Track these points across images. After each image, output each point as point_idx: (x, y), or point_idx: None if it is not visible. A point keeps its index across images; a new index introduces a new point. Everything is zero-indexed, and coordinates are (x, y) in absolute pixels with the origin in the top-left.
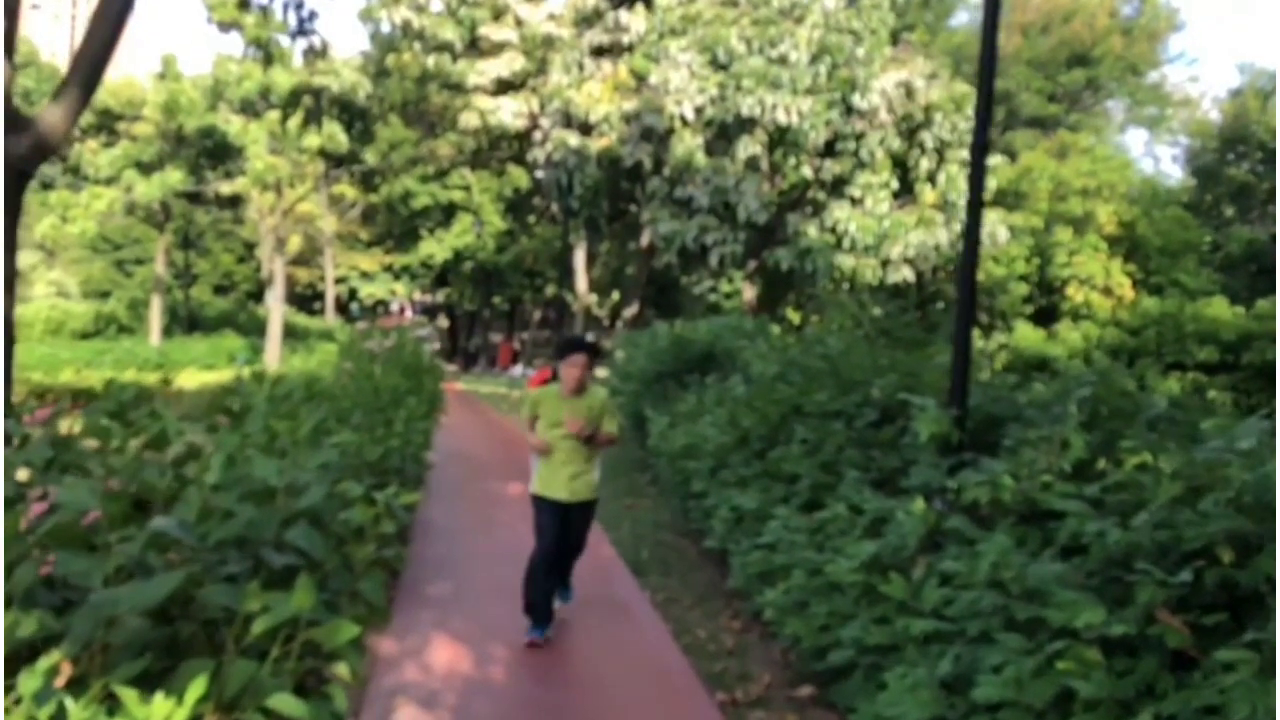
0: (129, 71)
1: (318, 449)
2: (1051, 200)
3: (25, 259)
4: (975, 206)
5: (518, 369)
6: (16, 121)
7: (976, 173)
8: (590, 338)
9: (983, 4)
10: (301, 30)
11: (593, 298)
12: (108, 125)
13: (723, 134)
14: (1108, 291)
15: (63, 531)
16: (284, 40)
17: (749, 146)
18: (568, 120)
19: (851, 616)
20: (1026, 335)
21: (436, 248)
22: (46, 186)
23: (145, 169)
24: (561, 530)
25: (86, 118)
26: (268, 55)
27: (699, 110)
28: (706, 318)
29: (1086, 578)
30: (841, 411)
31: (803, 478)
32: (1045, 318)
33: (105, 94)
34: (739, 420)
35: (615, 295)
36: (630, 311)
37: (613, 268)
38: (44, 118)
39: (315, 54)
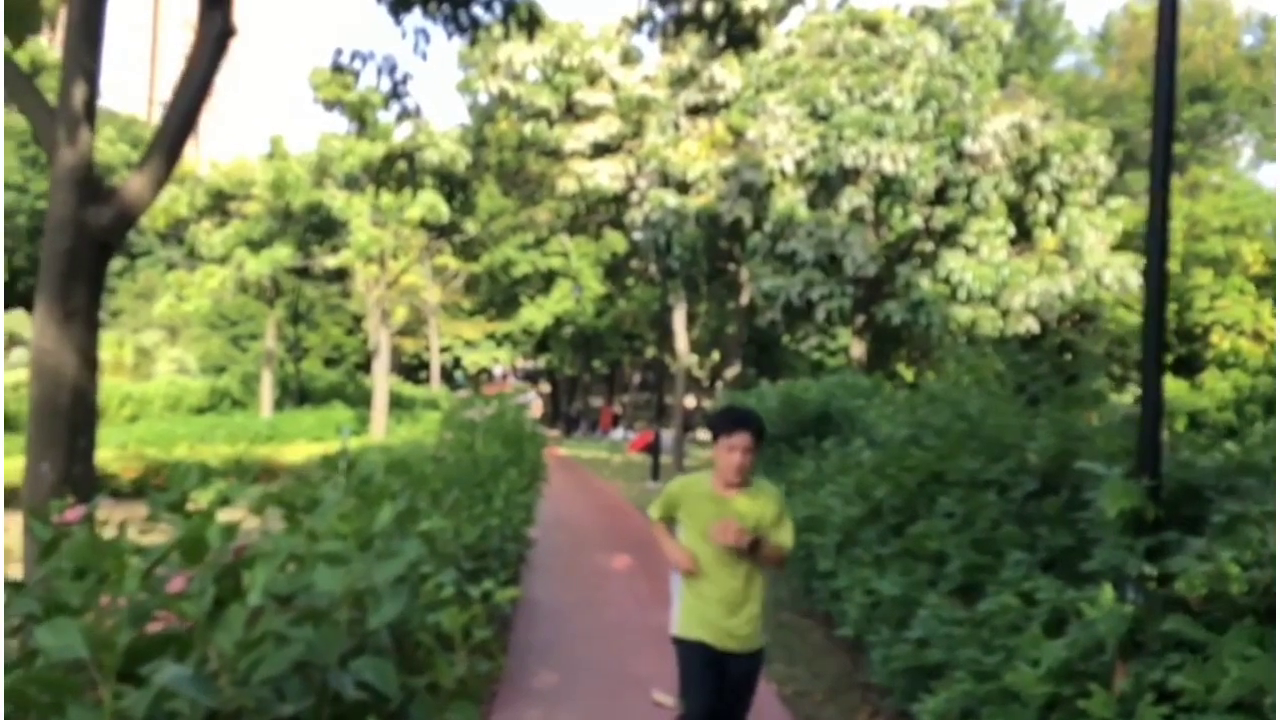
0: (241, 153)
1: (403, 540)
2: (1187, 240)
3: (149, 338)
4: (1158, 238)
5: (618, 432)
6: (99, 192)
7: (1158, 199)
8: (691, 401)
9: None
10: (395, 94)
11: (693, 359)
12: (220, 206)
13: (825, 186)
14: (1258, 337)
15: (43, 683)
16: (384, 116)
17: (854, 197)
18: (665, 180)
19: None
20: (1168, 387)
21: (537, 314)
22: (170, 268)
23: (255, 246)
24: (717, 688)
25: (200, 199)
26: (362, 121)
27: (799, 163)
28: (811, 376)
29: None
30: (992, 480)
31: (952, 558)
32: (1186, 368)
33: (219, 175)
34: (869, 490)
35: (715, 355)
36: (731, 372)
37: (712, 328)
38: (128, 188)
39: (409, 116)
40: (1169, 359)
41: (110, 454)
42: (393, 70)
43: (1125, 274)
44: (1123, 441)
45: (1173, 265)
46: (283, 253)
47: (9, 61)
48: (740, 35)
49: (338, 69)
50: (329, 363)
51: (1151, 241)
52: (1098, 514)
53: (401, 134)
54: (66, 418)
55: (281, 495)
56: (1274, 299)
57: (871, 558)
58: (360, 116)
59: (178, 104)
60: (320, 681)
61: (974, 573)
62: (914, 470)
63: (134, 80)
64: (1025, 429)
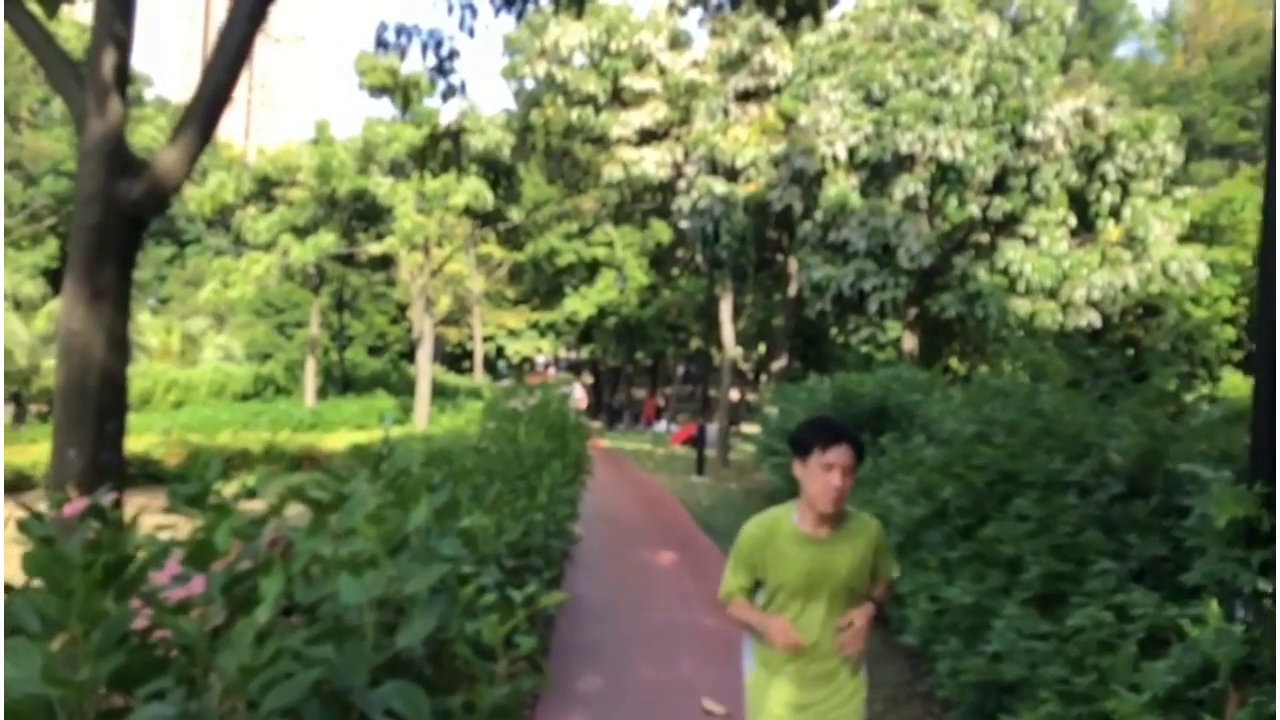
0: (289, 138)
1: (441, 539)
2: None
3: (195, 324)
4: (1272, 219)
5: (661, 424)
6: (130, 165)
7: (1273, 180)
8: (735, 394)
9: None
10: (440, 70)
11: (738, 351)
12: (266, 192)
13: (878, 173)
14: None
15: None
16: (430, 102)
17: (909, 185)
18: (713, 167)
19: None
20: (1236, 385)
21: (580, 304)
22: (218, 254)
23: (300, 233)
24: None
25: (247, 185)
26: (407, 101)
27: (852, 150)
28: (861, 369)
29: None
30: (1073, 481)
31: (1029, 565)
32: None
33: (265, 161)
34: (933, 489)
35: (761, 348)
36: (778, 364)
37: (758, 319)
38: (160, 160)
39: (454, 93)
40: (1240, 355)
41: (154, 440)
42: (439, 45)
43: (1193, 266)
44: (1220, 442)
45: (1243, 257)
46: (327, 239)
47: (44, 31)
48: (801, 6)
49: (381, 45)
50: (373, 351)
51: (1267, 223)
52: (1200, 522)
53: (446, 118)
54: (95, 401)
55: (304, 489)
56: None
57: (937, 561)
58: (405, 97)
59: (211, 74)
60: (344, 705)
61: (1054, 581)
62: (983, 469)
63: (187, 70)
64: (1105, 427)
